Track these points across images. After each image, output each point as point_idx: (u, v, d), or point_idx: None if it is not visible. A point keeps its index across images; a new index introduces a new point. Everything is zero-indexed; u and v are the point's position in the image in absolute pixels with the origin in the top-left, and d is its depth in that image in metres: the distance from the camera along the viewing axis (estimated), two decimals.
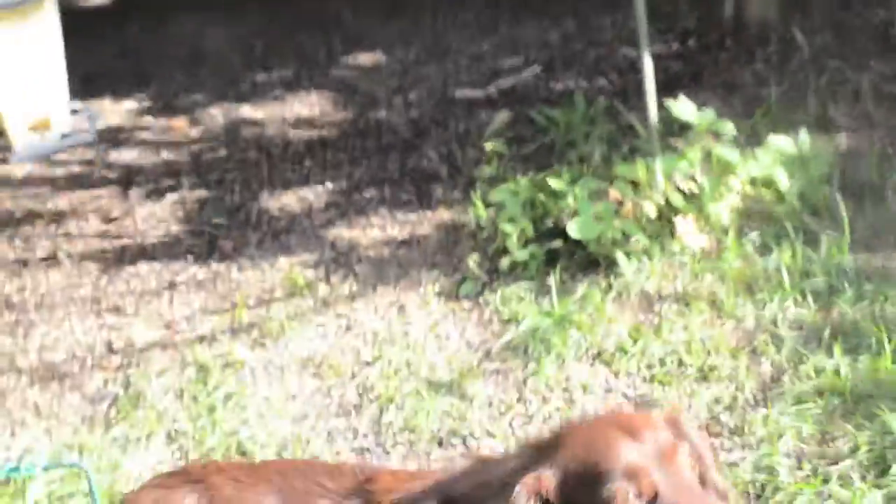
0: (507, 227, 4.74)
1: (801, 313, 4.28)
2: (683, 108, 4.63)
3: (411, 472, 2.67)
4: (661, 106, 4.84)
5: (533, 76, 6.45)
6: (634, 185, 4.74)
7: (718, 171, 4.57)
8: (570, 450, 2.20)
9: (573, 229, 4.53)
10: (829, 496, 3.46)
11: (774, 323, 4.26)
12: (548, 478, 2.16)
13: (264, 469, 2.70)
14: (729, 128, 4.68)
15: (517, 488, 2.14)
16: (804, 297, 4.32)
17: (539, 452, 2.24)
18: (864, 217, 4.68)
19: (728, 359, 4.14)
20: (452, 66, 6.86)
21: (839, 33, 6.13)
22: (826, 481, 3.52)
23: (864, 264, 4.39)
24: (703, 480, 2.19)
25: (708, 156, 4.65)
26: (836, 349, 3.96)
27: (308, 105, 6.73)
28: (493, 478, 2.23)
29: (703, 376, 4.07)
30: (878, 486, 3.40)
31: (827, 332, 4.12)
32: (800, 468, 3.57)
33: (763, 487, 3.55)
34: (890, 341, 3.87)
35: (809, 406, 3.81)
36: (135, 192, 5.94)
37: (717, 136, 4.72)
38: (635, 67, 5.26)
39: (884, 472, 3.45)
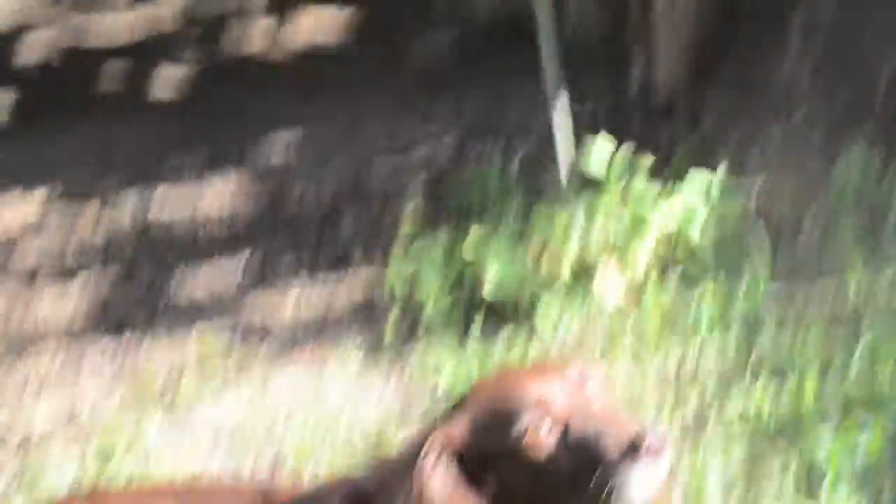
0: (424, 291, 4.68)
1: (724, 350, 4.20)
2: (602, 146, 4.64)
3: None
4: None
5: (450, 145, 6.45)
6: (548, 239, 4.72)
7: (635, 210, 4.56)
8: (478, 401, 2.10)
9: (489, 292, 4.49)
10: None
11: (698, 362, 4.18)
12: (456, 431, 2.04)
13: (159, 492, 2.55)
14: (647, 161, 4.67)
15: (424, 446, 2.03)
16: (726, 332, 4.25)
17: (446, 417, 2.14)
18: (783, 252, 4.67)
19: (650, 407, 4.03)
20: (369, 140, 6.84)
21: (748, 94, 6.22)
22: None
23: (785, 297, 4.34)
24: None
25: (624, 199, 4.64)
26: (759, 384, 3.88)
27: (222, 184, 6.64)
28: (400, 458, 2.13)
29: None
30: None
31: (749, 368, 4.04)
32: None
33: None
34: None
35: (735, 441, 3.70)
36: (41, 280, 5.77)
37: (634, 172, 4.72)
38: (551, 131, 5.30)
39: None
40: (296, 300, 5.27)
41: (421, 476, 1.99)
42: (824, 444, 3.50)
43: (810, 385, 3.72)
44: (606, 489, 1.90)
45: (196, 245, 5.95)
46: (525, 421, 1.98)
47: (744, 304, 4.36)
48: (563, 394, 2.02)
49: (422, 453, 2.01)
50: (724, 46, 6.61)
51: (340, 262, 5.53)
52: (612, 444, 1.92)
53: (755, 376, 3.97)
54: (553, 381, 2.06)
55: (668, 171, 5.13)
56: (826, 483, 3.38)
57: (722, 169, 4.88)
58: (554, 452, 1.97)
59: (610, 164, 4.85)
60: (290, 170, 6.61)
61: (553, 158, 5.06)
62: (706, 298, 4.40)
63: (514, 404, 2.01)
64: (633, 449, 1.90)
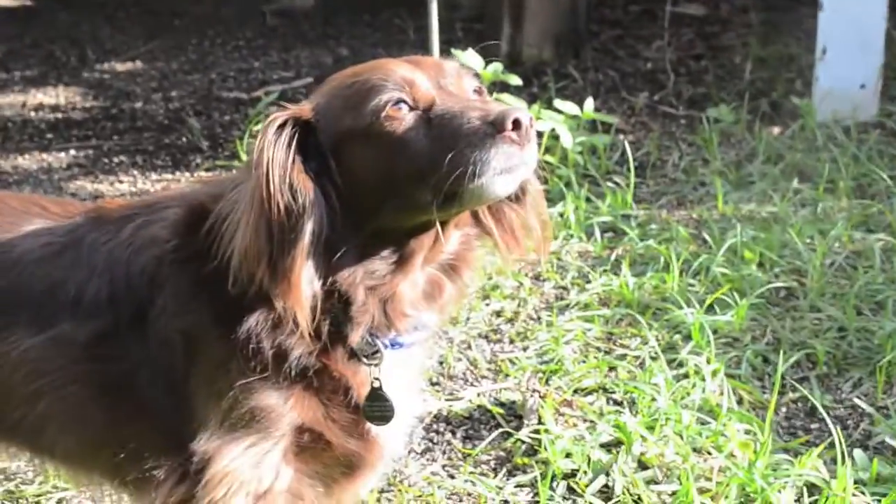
0: None
1: (587, 248, 4.21)
2: (471, 59, 4.61)
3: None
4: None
5: (304, 86, 6.35)
6: None
7: None
8: (337, 80, 1.94)
9: None
10: (618, 377, 3.28)
11: (559, 256, 4.16)
12: (307, 107, 1.88)
13: None
14: (515, 79, 4.68)
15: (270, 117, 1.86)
16: (590, 237, 4.26)
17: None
18: (646, 178, 4.75)
19: (511, 280, 3.97)
20: (218, 76, 6.70)
21: (608, 74, 6.41)
22: (612, 368, 3.35)
23: (646, 214, 4.39)
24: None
25: None
26: (624, 267, 3.88)
27: (53, 96, 6.36)
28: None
29: (485, 295, 3.88)
30: (672, 366, 3.26)
31: (613, 257, 4.05)
32: (585, 360, 3.40)
33: (549, 375, 3.34)
34: (678, 260, 3.82)
35: (596, 313, 3.66)
36: None
37: (504, 88, 4.72)
38: None
39: (673, 360, 3.32)
40: (128, 189, 5.00)
41: (262, 142, 1.81)
42: (687, 319, 3.49)
43: (673, 275, 3.73)
44: (463, 168, 1.75)
45: (19, 137, 5.64)
46: (386, 96, 1.82)
47: (609, 213, 4.36)
48: (430, 80, 1.88)
49: (266, 122, 1.85)
50: (596, 32, 6.86)
51: (180, 163, 5.31)
52: (475, 123, 1.78)
53: (617, 268, 3.95)
54: (422, 69, 1.91)
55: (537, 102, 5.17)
56: (688, 348, 3.35)
57: (589, 103, 4.93)
58: (412, 127, 1.82)
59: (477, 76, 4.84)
60: (127, 91, 6.39)
61: None
62: (570, 206, 4.38)
63: (377, 81, 1.85)
64: (495, 127, 1.77)
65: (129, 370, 1.92)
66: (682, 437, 2.84)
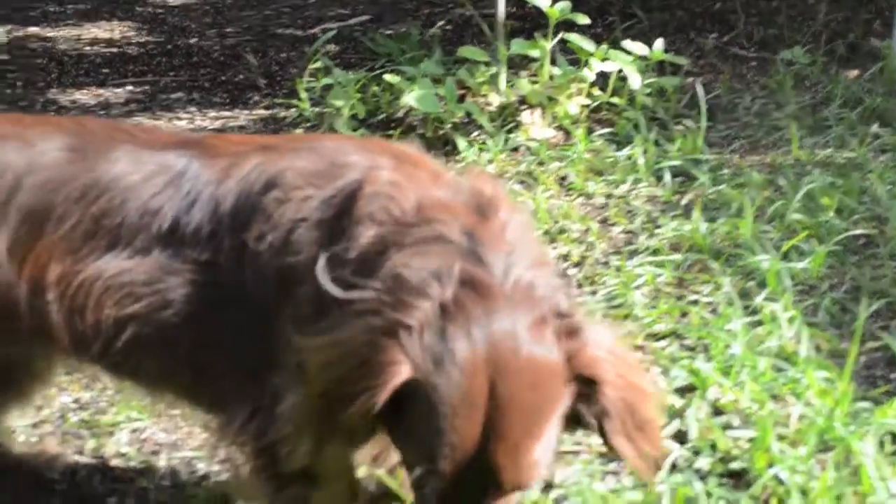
0: (338, 102, 4.49)
1: (656, 192, 4.20)
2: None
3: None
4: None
5: (361, 24, 6.35)
6: (479, 81, 4.64)
7: (566, 67, 4.54)
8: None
9: (413, 99, 4.33)
10: (690, 322, 3.29)
11: (627, 200, 4.17)
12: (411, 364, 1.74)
13: (56, 119, 2.33)
14: (583, 18, 4.66)
15: None
16: (659, 181, 4.26)
17: None
18: (716, 122, 4.72)
19: (577, 224, 3.98)
20: (272, 12, 6.71)
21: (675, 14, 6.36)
22: (684, 314, 3.37)
23: (718, 158, 4.38)
24: None
25: (561, 48, 4.61)
26: (696, 212, 3.88)
27: (108, 31, 6.42)
28: None
29: (551, 238, 3.91)
30: (746, 312, 3.27)
31: (684, 202, 4.05)
32: (655, 306, 3.41)
33: (619, 320, 3.37)
34: (752, 205, 3.82)
35: (666, 259, 3.67)
36: None
37: (570, 27, 4.70)
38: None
39: (748, 306, 3.33)
40: (186, 125, 5.05)
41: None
42: (763, 265, 3.49)
43: (747, 221, 3.72)
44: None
45: (76, 71, 5.71)
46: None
47: (679, 156, 4.35)
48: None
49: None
50: None
51: (237, 100, 5.35)
52: None
53: (688, 213, 3.95)
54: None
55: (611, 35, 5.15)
56: (763, 294, 3.36)
57: (659, 44, 4.90)
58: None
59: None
60: (182, 27, 6.43)
61: (483, 16, 5.01)
62: (638, 149, 4.38)
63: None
64: None
65: (220, 300, 1.96)
66: (758, 384, 2.85)
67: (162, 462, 2.67)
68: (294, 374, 1.90)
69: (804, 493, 2.41)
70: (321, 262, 1.82)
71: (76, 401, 2.90)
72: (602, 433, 1.81)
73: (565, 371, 1.71)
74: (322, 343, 1.75)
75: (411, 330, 1.66)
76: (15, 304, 2.05)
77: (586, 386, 1.74)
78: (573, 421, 1.80)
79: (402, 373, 1.65)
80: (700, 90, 4.65)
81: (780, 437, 2.65)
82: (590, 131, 4.63)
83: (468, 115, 4.49)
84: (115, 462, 2.67)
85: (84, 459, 2.67)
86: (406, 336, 1.65)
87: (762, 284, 3.44)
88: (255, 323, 1.97)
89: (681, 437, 2.75)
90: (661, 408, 1.87)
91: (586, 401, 1.76)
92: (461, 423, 1.63)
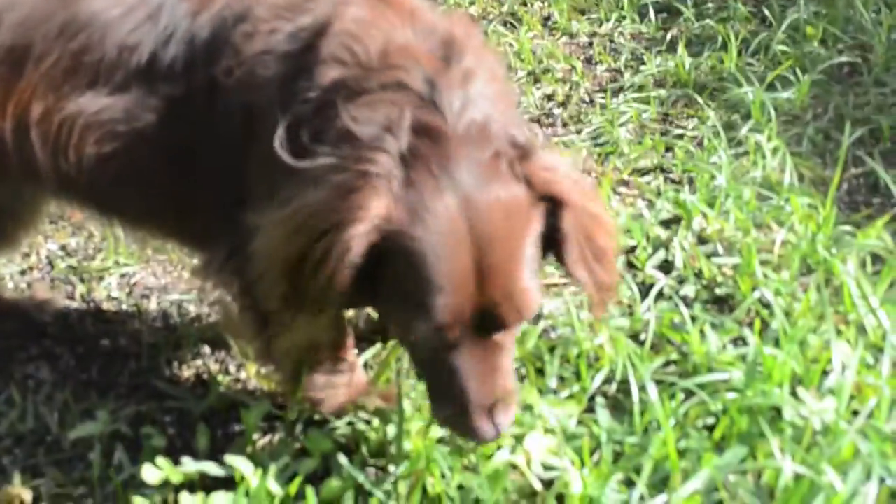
0: None
1: (641, 29, 4.15)
2: None
3: None
4: None
5: None
6: None
7: None
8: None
9: None
10: (675, 157, 3.29)
11: (611, 38, 4.11)
12: (388, 206, 1.72)
13: None
14: None
15: None
16: (643, 18, 4.19)
17: None
18: None
19: (562, 63, 3.93)
20: None
21: None
22: (669, 149, 3.36)
23: None
24: None
25: None
26: (680, 48, 3.83)
27: None
28: None
29: (535, 79, 3.86)
30: (731, 144, 3.26)
31: (669, 37, 4.00)
32: (640, 142, 3.40)
33: (604, 156, 3.36)
34: (736, 38, 3.77)
35: (651, 95, 3.64)
36: None
37: None
38: None
39: (733, 138, 3.31)
40: None
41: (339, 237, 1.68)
42: (747, 97, 3.47)
43: (732, 54, 3.68)
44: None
45: None
46: (447, 324, 1.75)
47: None
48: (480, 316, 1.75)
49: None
50: None
51: None
52: (464, 401, 1.77)
53: (673, 49, 3.90)
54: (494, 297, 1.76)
55: None
56: (747, 126, 3.34)
57: None
58: (441, 348, 1.75)
59: None
60: None
61: None
62: None
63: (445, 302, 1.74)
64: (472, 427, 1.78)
65: (196, 137, 1.94)
66: (742, 213, 2.87)
67: (153, 305, 2.69)
68: (262, 209, 1.90)
69: (787, 314, 2.44)
70: (279, 131, 1.78)
71: (63, 247, 2.91)
72: (559, 259, 1.81)
73: (530, 196, 1.71)
74: (282, 216, 1.71)
75: (376, 182, 1.64)
76: (1, 144, 2.04)
77: (549, 207, 1.74)
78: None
79: (374, 220, 1.63)
80: None
81: (764, 263, 2.68)
82: None
83: None
84: (106, 306, 2.69)
85: (75, 304, 2.69)
86: (372, 189, 1.63)
87: (747, 116, 3.44)
88: (226, 159, 1.95)
89: (666, 267, 2.77)
90: (616, 236, 1.86)
91: (550, 223, 1.76)
92: (451, 267, 1.63)
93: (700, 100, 3.52)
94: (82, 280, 2.76)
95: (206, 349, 2.48)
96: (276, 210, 1.72)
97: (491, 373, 1.73)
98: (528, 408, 2.11)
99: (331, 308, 1.74)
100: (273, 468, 1.96)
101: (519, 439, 2.03)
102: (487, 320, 1.68)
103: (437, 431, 2.03)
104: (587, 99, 3.75)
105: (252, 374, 2.38)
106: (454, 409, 1.74)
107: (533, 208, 1.71)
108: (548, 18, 4.28)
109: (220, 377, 2.37)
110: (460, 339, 1.68)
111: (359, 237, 1.62)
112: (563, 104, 3.73)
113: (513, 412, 1.76)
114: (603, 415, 2.12)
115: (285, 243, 1.70)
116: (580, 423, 2.12)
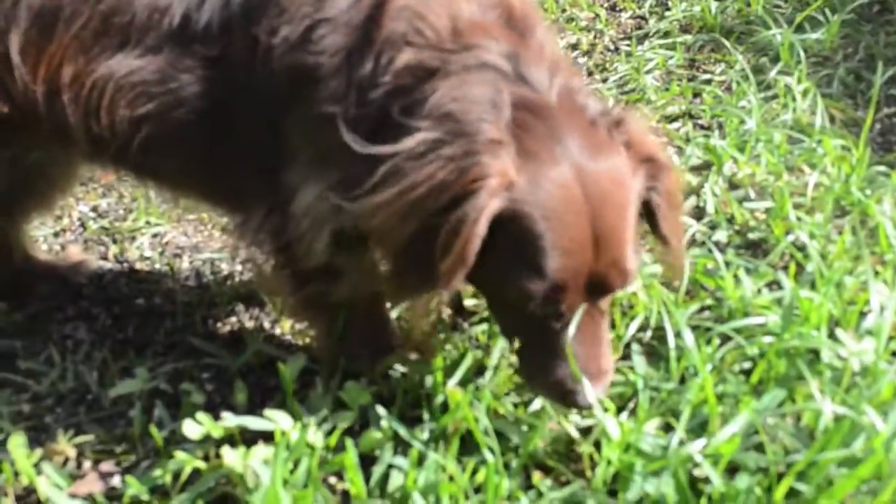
0: None
1: None
2: None
3: None
4: None
5: None
6: None
7: None
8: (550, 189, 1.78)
9: None
10: (703, 102, 3.25)
11: None
12: (511, 175, 1.75)
13: None
14: None
15: None
16: None
17: None
18: None
19: (586, 12, 3.89)
20: None
21: None
22: (697, 94, 3.32)
23: None
24: None
25: None
26: None
27: None
28: None
29: (560, 28, 3.82)
30: (760, 88, 3.22)
31: None
32: (667, 88, 3.36)
33: (632, 105, 3.33)
34: None
35: (677, 41, 3.60)
36: None
37: None
38: None
39: (761, 82, 3.27)
40: None
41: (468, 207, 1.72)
42: (776, 39, 3.42)
43: None
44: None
45: None
46: (559, 300, 1.80)
47: None
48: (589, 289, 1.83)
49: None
50: None
51: None
52: (563, 377, 1.84)
53: None
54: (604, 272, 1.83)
55: None
56: (776, 69, 3.30)
57: None
58: (550, 316, 1.81)
59: None
60: None
61: None
62: None
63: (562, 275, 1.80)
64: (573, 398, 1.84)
65: (234, 96, 1.93)
66: (773, 156, 2.84)
67: (185, 264, 2.70)
68: (305, 171, 1.89)
69: (823, 256, 2.42)
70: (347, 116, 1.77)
71: (94, 209, 2.92)
72: (652, 223, 1.85)
73: (630, 162, 1.75)
74: (390, 196, 1.69)
75: (493, 151, 1.65)
76: (33, 107, 2.03)
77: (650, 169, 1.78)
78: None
79: (498, 189, 1.64)
80: None
81: (797, 206, 2.66)
82: None
83: None
84: (139, 265, 2.70)
85: (108, 265, 2.70)
86: (490, 158, 1.64)
87: (775, 59, 3.40)
88: (267, 119, 1.94)
89: (698, 213, 2.76)
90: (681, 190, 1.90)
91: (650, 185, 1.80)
92: (570, 230, 1.67)
93: (727, 44, 3.48)
94: (115, 241, 2.77)
95: (241, 306, 2.48)
96: (373, 197, 1.70)
97: (595, 339, 1.79)
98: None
99: (454, 286, 1.71)
100: (312, 421, 1.97)
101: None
102: (596, 285, 1.72)
103: (473, 383, 2.04)
104: (612, 47, 3.72)
105: (287, 330, 2.38)
106: (556, 373, 1.78)
107: (634, 174, 1.75)
108: None
109: (255, 334, 2.37)
110: (571, 303, 1.72)
111: (485, 207, 1.63)
112: (588, 53, 3.69)
113: (609, 379, 1.82)
114: (639, 362, 2.12)
115: (400, 223, 1.69)
116: (616, 370, 2.11)
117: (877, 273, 2.30)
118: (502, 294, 1.78)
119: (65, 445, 2.08)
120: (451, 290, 1.73)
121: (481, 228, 1.63)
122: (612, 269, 1.71)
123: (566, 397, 1.79)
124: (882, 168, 2.75)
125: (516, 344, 1.84)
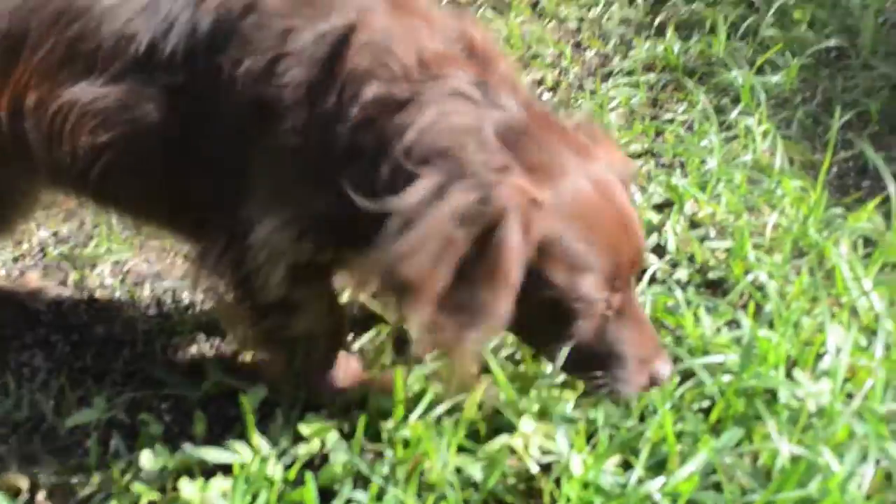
0: None
1: (629, 13, 4.14)
2: None
3: None
4: None
5: None
6: None
7: None
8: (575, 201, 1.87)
9: None
10: (664, 141, 3.28)
11: (600, 23, 4.10)
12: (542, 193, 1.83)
13: None
14: None
15: None
16: (632, 2, 4.20)
17: None
18: None
19: (551, 49, 3.93)
20: None
21: None
22: (659, 133, 3.36)
23: None
24: None
25: None
26: (669, 33, 3.83)
27: None
28: None
29: (525, 64, 3.85)
30: (721, 128, 3.26)
31: (657, 22, 4.00)
32: (630, 126, 3.39)
33: None
34: (725, 22, 3.77)
35: (641, 79, 3.64)
36: None
37: None
38: None
39: (723, 122, 3.31)
40: None
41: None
42: (737, 81, 3.47)
43: (720, 38, 3.69)
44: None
45: None
46: (598, 297, 1.91)
47: None
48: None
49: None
50: None
51: None
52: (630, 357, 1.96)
53: (661, 33, 3.90)
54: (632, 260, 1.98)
55: None
56: (737, 110, 3.35)
57: None
58: (597, 327, 1.93)
59: None
60: None
61: None
62: None
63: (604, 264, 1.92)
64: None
65: (195, 127, 1.92)
66: (734, 196, 2.87)
67: (146, 292, 2.68)
68: (263, 204, 1.89)
69: (781, 296, 2.44)
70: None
71: (55, 234, 2.89)
72: None
73: (614, 165, 1.89)
74: (409, 246, 1.67)
75: (505, 175, 1.68)
76: None
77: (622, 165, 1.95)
78: None
79: (526, 207, 1.68)
80: None
81: (757, 246, 2.68)
82: None
83: None
84: (99, 293, 2.67)
85: (67, 291, 2.67)
86: (505, 181, 1.66)
87: (736, 100, 3.44)
88: (228, 150, 1.94)
89: (660, 251, 2.77)
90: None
91: None
92: (607, 227, 1.78)
93: (689, 84, 3.52)
94: (75, 267, 2.74)
95: (202, 336, 2.46)
96: (383, 251, 1.69)
97: (643, 319, 1.90)
98: (523, 392, 2.10)
99: (500, 321, 1.72)
100: (272, 454, 1.95)
101: (515, 424, 2.02)
102: (633, 268, 1.87)
103: (433, 415, 2.03)
104: (577, 84, 3.74)
105: (248, 361, 2.36)
106: (617, 365, 1.87)
107: (619, 175, 1.88)
108: (536, 3, 4.27)
109: (215, 363, 2.35)
110: (619, 291, 1.83)
111: (521, 228, 1.67)
112: (553, 89, 3.72)
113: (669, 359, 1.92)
114: (600, 398, 2.12)
115: (432, 265, 1.67)
116: (576, 407, 2.12)
117: (833, 314, 2.32)
118: (552, 310, 1.81)
119: (17, 477, 2.05)
120: (501, 327, 1.74)
121: (522, 251, 1.66)
122: (641, 251, 1.86)
123: (650, 376, 1.89)
124: (839, 210, 2.78)
125: (560, 356, 1.87)
